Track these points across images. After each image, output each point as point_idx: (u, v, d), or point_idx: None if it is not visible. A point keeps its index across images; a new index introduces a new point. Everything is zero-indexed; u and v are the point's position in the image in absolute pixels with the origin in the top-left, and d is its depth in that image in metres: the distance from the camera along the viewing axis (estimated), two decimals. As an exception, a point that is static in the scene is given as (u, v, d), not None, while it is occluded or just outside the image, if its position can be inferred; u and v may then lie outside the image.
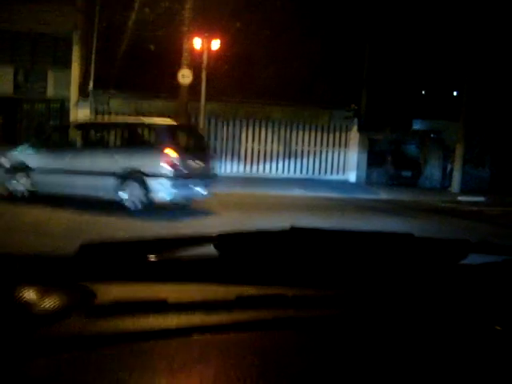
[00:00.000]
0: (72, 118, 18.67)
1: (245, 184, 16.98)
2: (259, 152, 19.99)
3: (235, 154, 19.75)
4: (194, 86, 16.34)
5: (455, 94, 22.61)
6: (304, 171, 20.25)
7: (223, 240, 1.16)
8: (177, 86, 16.46)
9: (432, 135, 21.59)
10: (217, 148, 19.28)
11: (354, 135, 20.29)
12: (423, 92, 23.02)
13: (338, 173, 20.53)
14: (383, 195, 17.36)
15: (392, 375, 0.79)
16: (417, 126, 22.15)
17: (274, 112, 19.68)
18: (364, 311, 1.00)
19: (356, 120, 20.23)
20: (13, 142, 20.66)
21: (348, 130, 20.38)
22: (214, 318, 0.91)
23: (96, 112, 18.47)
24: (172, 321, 0.89)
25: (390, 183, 19.68)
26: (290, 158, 20.15)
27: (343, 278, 1.12)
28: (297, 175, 19.96)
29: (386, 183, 19.69)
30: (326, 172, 20.48)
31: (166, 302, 0.93)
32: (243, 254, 1.16)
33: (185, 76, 16.19)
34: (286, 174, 19.94)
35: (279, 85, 18.77)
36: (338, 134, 20.45)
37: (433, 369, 0.81)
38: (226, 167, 19.41)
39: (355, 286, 1.08)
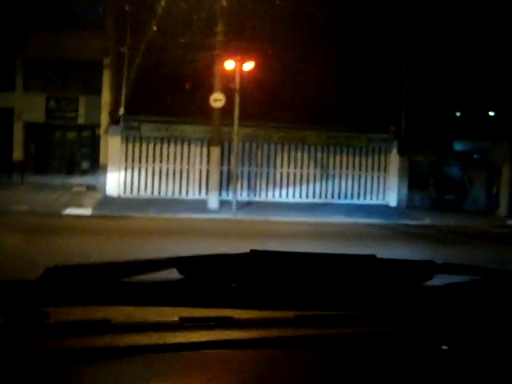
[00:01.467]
0: (102, 144, 18.37)
1: (282, 210, 16.47)
2: (295, 176, 19.30)
3: (270, 179, 19.11)
4: (227, 109, 15.83)
5: (492, 114, 21.92)
6: (342, 196, 19.44)
7: (185, 263, 1.18)
8: (209, 110, 15.96)
9: (475, 156, 20.64)
10: (251, 173, 18.82)
11: (394, 157, 19.49)
12: (458, 113, 22.26)
13: (377, 197, 19.68)
14: (427, 220, 16.58)
15: None
16: (458, 147, 21.24)
17: (310, 135, 19.01)
18: (321, 333, 0.99)
19: (396, 142, 19.45)
20: (44, 171, 20.70)
21: (387, 152, 19.59)
22: (154, 337, 0.92)
23: (127, 138, 18.11)
24: (117, 340, 0.90)
25: (432, 207, 18.88)
26: (327, 182, 19.39)
27: (302, 300, 1.12)
28: (335, 200, 19.18)
29: (428, 207, 18.90)
30: (365, 196, 19.61)
31: (109, 322, 0.95)
32: (204, 276, 1.19)
33: (217, 100, 15.72)
34: (323, 199, 19.17)
35: (314, 107, 18.24)
36: (376, 157, 19.65)
37: None
38: (261, 192, 18.89)
39: (315, 307, 1.08)
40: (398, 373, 0.89)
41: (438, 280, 1.32)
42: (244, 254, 1.21)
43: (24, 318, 0.95)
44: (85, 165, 21.23)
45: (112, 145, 18.01)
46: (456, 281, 1.31)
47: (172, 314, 1.03)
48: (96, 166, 19.46)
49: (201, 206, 16.25)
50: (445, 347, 0.98)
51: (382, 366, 0.91)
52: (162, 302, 1.07)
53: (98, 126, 18.81)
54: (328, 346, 0.98)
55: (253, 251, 1.22)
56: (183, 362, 0.88)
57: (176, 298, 1.10)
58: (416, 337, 1.03)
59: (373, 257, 1.26)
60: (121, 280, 1.15)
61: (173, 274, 1.17)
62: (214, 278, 1.20)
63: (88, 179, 19.78)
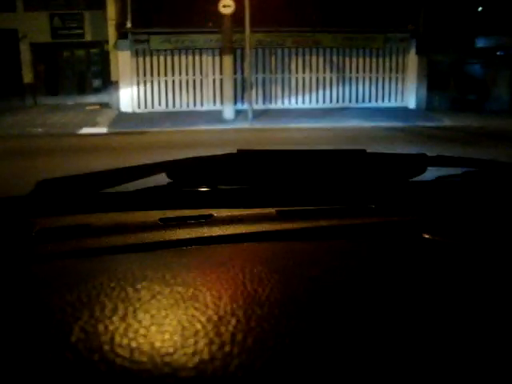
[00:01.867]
0: (112, 60, 17.98)
1: (298, 117, 16.26)
2: (311, 82, 18.77)
3: (285, 86, 18.64)
4: (238, 15, 15.24)
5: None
6: (360, 99, 18.97)
7: (172, 167, 1.18)
8: (219, 17, 15.39)
9: (499, 53, 19.84)
10: (265, 80, 18.37)
11: (412, 58, 18.82)
12: (480, 8, 21.22)
13: (396, 99, 19.20)
14: (447, 122, 16.25)
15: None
16: (480, 43, 20.39)
17: (324, 38, 18.27)
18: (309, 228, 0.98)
19: (414, 41, 18.71)
20: (56, 92, 20.47)
21: (405, 52, 18.90)
22: (133, 237, 0.92)
23: (137, 52, 17.68)
24: (96, 242, 0.91)
25: (453, 108, 18.45)
26: (344, 86, 18.88)
27: (289, 196, 1.09)
28: (352, 104, 18.76)
29: (449, 108, 18.48)
30: (383, 99, 19.14)
31: (89, 226, 0.96)
32: (191, 179, 1.19)
33: (226, 6, 15.14)
34: (340, 104, 18.76)
35: (328, 9, 17.49)
36: (394, 58, 18.97)
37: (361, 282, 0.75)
38: (277, 100, 18.54)
39: (301, 203, 1.06)
40: (382, 261, 0.85)
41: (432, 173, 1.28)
42: (231, 154, 1.19)
43: (11, 229, 0.96)
44: (96, 82, 20.92)
45: (122, 60, 17.63)
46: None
47: (153, 216, 1.01)
48: (108, 82, 19.14)
49: (216, 116, 16.07)
50: (426, 235, 0.94)
51: (369, 256, 0.88)
52: (146, 206, 1.06)
53: (106, 41, 18.32)
54: (312, 237, 0.95)
55: (239, 151, 1.19)
56: (163, 259, 0.85)
57: (159, 201, 1.08)
58: (401, 227, 1.00)
59: (363, 151, 1.21)
60: (108, 188, 1.14)
61: (165, 179, 1.16)
62: (200, 180, 1.18)
63: (101, 97, 19.56)
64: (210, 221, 1.00)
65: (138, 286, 0.69)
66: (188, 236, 0.94)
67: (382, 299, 0.70)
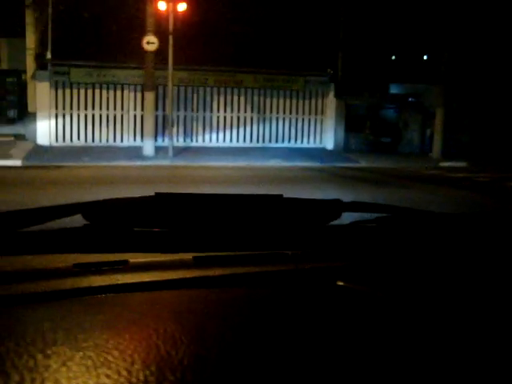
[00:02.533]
0: (30, 91, 17.49)
1: (219, 155, 16.36)
2: (232, 120, 19.03)
3: (207, 124, 18.77)
4: (161, 53, 15.30)
5: (425, 57, 22.18)
6: (280, 139, 19.38)
7: (89, 208, 1.15)
8: (143, 54, 15.37)
9: (410, 99, 20.95)
10: (187, 118, 18.42)
11: (331, 101, 19.51)
12: (393, 57, 22.40)
13: (315, 140, 19.75)
14: (363, 163, 16.89)
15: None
16: (394, 90, 21.47)
17: (246, 79, 18.67)
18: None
19: (332, 85, 19.44)
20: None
21: (324, 95, 19.58)
22: (46, 284, 0.90)
23: (56, 84, 17.30)
24: (7, 290, 0.88)
25: (369, 150, 19.25)
26: (264, 125, 19.24)
27: (206, 242, 1.10)
28: (272, 144, 19.13)
29: (365, 150, 19.28)
30: (302, 140, 19.64)
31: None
32: (108, 221, 1.16)
33: (150, 42, 15.15)
34: (260, 143, 19.09)
35: (251, 50, 17.90)
36: (314, 100, 19.61)
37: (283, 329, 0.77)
38: (198, 137, 18.59)
39: (218, 248, 1.07)
40: (295, 308, 0.87)
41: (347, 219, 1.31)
42: (149, 197, 1.17)
43: None
44: (11, 113, 20.17)
45: (40, 91, 17.18)
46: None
47: (67, 261, 0.98)
48: (24, 114, 18.54)
49: (136, 152, 15.90)
50: (340, 283, 0.96)
51: (283, 303, 0.89)
52: (60, 249, 1.03)
53: (24, 71, 17.81)
54: (228, 284, 0.95)
55: (157, 194, 1.18)
56: (76, 307, 0.83)
57: (75, 244, 1.05)
58: (316, 274, 1.01)
59: (280, 196, 1.23)
60: (21, 229, 1.09)
61: (81, 220, 1.13)
62: (117, 223, 1.15)
63: (16, 128, 18.84)
64: (125, 267, 0.98)
65: (48, 352, 0.65)
66: (103, 283, 0.92)
67: (295, 350, 0.69)
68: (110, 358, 0.64)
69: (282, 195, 1.23)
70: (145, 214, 1.18)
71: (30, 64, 17.27)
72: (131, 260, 1.01)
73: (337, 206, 1.26)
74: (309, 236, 1.18)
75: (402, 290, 0.96)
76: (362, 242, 1.18)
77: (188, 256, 1.04)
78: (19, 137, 17.91)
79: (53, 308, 0.83)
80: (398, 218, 1.38)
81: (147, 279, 0.95)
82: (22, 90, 18.79)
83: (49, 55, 16.92)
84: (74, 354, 0.65)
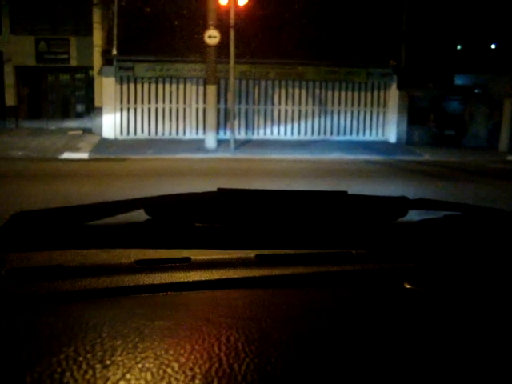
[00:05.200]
0: (97, 86, 18.04)
1: (280, 148, 16.36)
2: (293, 113, 18.97)
3: (268, 117, 18.80)
4: (223, 46, 15.42)
5: (493, 46, 21.39)
6: (341, 132, 19.18)
7: (151, 204, 1.16)
8: (204, 48, 15.55)
9: (476, 90, 20.27)
10: (248, 111, 18.53)
11: (394, 93, 19.13)
12: (459, 46, 21.73)
13: (377, 133, 19.43)
14: (426, 156, 16.50)
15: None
16: (459, 81, 20.82)
17: (308, 71, 18.55)
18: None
19: (395, 77, 19.04)
20: (39, 116, 20.39)
21: (387, 87, 19.21)
22: (108, 281, 0.90)
23: (121, 79, 17.77)
24: (69, 285, 0.89)
25: (432, 143, 18.76)
26: (326, 118, 19.08)
27: (268, 239, 1.10)
28: (334, 137, 18.96)
29: (428, 143, 18.78)
30: (364, 132, 19.36)
31: (62, 266, 0.94)
32: (170, 217, 1.16)
33: (212, 36, 15.28)
34: (322, 136, 18.95)
35: (312, 42, 17.76)
36: (376, 92, 19.27)
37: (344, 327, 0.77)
38: (259, 130, 18.66)
39: (281, 246, 1.07)
40: (361, 311, 0.85)
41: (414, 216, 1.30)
42: (211, 193, 1.16)
43: None
44: (79, 107, 20.88)
45: (106, 86, 17.68)
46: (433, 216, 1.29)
47: (130, 256, 1.00)
48: (91, 108, 19.15)
49: (199, 145, 16.11)
50: (408, 286, 0.93)
51: (349, 307, 0.87)
52: (123, 244, 1.05)
53: (91, 67, 18.38)
54: (290, 285, 0.94)
55: (219, 189, 1.16)
56: (137, 309, 0.82)
57: (137, 239, 1.07)
58: (382, 275, 0.99)
59: (344, 193, 1.20)
60: (85, 223, 1.11)
61: (143, 215, 1.14)
62: (179, 218, 1.16)
63: (83, 122, 19.53)
64: (187, 265, 0.98)
65: (108, 362, 0.64)
66: (164, 281, 0.92)
67: (360, 354, 0.69)
68: (169, 371, 0.63)
69: (346, 192, 1.20)
70: (207, 210, 1.17)
71: (97, 60, 17.80)
72: (193, 257, 1.00)
73: (403, 204, 1.23)
74: (374, 234, 1.17)
75: (471, 294, 0.93)
76: (431, 241, 1.15)
77: (250, 254, 1.03)
78: (86, 130, 18.54)
79: (114, 309, 0.83)
80: (467, 216, 1.33)
81: (209, 277, 0.95)
82: (89, 86, 19.45)
83: (114, 51, 17.38)
84: (133, 366, 0.64)
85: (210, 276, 0.95)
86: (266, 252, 1.05)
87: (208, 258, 1.02)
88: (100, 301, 0.86)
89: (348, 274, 1.00)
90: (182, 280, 0.94)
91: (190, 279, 0.94)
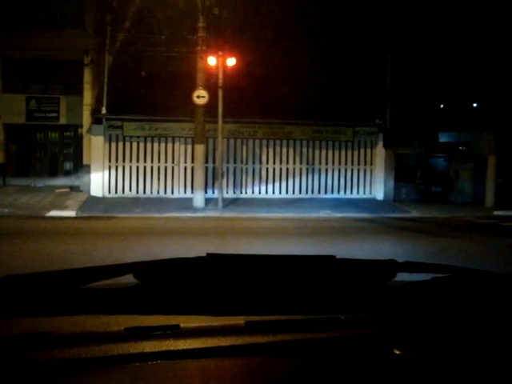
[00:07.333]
0: (85, 144, 18.14)
1: (268, 206, 16.38)
2: (281, 172, 19.17)
3: (256, 175, 18.95)
4: (211, 106, 15.67)
5: (475, 105, 21.95)
6: (329, 190, 19.34)
7: (140, 269, 1.14)
8: (193, 107, 15.77)
9: (461, 147, 20.64)
10: (236, 170, 18.66)
11: (380, 151, 19.44)
12: (442, 105, 22.29)
13: (364, 191, 19.63)
14: (414, 213, 16.58)
15: None
16: (443, 138, 21.24)
17: (295, 130, 18.90)
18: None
19: (381, 135, 19.39)
20: (26, 173, 20.40)
21: (373, 145, 19.53)
22: (97, 349, 0.87)
23: (110, 138, 17.90)
24: (59, 354, 0.87)
25: (419, 199, 18.94)
26: (313, 177, 19.29)
27: (258, 304, 1.07)
28: (321, 195, 19.09)
29: (415, 200, 18.97)
30: (352, 190, 19.55)
31: (51, 334, 0.92)
32: (159, 282, 1.15)
33: (200, 96, 15.54)
34: (310, 194, 19.08)
35: (299, 102, 18.10)
36: (362, 151, 19.60)
37: None
38: (247, 189, 18.75)
39: (270, 311, 1.04)
40: (351, 379, 0.84)
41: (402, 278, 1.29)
42: (200, 258, 1.17)
43: None
44: (68, 165, 20.94)
45: (95, 144, 17.80)
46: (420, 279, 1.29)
47: (119, 323, 0.98)
48: (79, 166, 19.20)
49: (187, 204, 16.11)
50: (397, 351, 0.92)
51: (336, 373, 0.86)
52: (112, 310, 1.04)
53: (81, 125, 18.56)
54: (280, 352, 0.93)
55: (209, 254, 1.18)
56: (127, 374, 0.82)
57: (126, 305, 1.06)
58: (371, 341, 0.98)
59: (332, 257, 1.22)
60: (74, 288, 1.11)
61: (131, 279, 1.14)
62: (168, 284, 1.16)
63: (71, 180, 19.51)
64: (176, 332, 0.97)
65: None
66: (154, 349, 0.90)
67: None
68: None
69: (334, 256, 1.21)
70: (197, 276, 1.17)
71: (87, 119, 18.00)
72: (182, 324, 0.99)
73: (391, 267, 1.25)
74: (363, 298, 1.16)
75: (463, 360, 0.91)
76: (420, 305, 1.15)
77: (240, 320, 1.02)
78: (74, 188, 18.51)
79: (103, 379, 0.83)
80: (455, 279, 1.34)
81: (198, 346, 0.93)
82: (77, 144, 19.56)
83: (104, 110, 17.59)
84: None
85: (199, 344, 0.94)
86: (255, 318, 1.03)
87: (197, 325, 1.00)
88: (88, 371, 0.84)
89: (337, 340, 0.98)
90: (172, 348, 0.92)
91: (180, 347, 0.93)
